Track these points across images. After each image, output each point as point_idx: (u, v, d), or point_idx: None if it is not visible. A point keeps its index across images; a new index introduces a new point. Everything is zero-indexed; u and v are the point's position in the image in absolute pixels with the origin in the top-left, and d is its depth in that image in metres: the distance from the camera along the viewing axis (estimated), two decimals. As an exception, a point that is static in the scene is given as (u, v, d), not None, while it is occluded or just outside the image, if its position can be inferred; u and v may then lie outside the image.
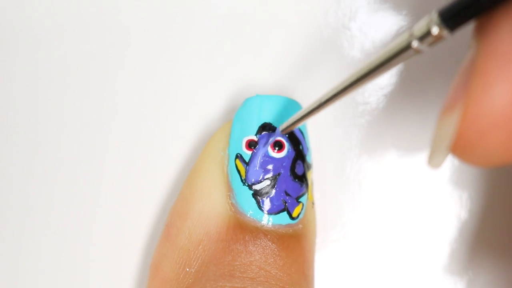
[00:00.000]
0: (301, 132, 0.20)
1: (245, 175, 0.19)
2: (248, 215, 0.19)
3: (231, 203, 0.19)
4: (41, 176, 0.22)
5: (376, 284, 0.23)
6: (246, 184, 0.19)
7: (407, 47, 0.14)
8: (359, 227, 0.23)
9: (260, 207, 0.19)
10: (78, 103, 0.22)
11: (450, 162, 0.23)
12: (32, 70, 0.22)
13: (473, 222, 0.23)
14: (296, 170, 0.19)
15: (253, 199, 0.19)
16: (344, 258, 0.23)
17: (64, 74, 0.22)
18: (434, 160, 0.14)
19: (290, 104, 0.20)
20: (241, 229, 0.19)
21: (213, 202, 0.19)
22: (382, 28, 0.23)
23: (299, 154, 0.20)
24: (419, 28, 0.13)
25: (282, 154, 0.19)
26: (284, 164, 0.19)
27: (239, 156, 0.19)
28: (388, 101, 0.23)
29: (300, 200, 0.19)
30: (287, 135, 0.19)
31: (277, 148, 0.19)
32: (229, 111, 0.22)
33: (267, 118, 0.19)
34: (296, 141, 0.20)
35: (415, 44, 0.13)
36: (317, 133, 0.23)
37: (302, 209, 0.19)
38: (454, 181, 0.23)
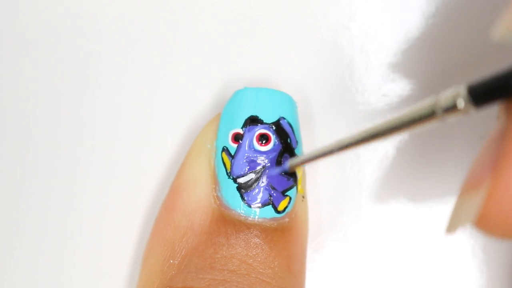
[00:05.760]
0: (290, 125, 0.20)
1: (230, 168, 0.19)
2: (232, 208, 0.19)
3: (216, 196, 0.19)
4: (33, 172, 0.23)
5: (375, 284, 0.22)
6: (231, 177, 0.19)
7: (430, 114, 0.14)
8: (359, 227, 0.23)
9: (244, 201, 0.19)
10: (67, 99, 0.23)
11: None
12: (24, 68, 0.23)
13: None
14: (283, 164, 0.19)
15: (237, 192, 0.19)
16: (344, 259, 0.23)
17: (53, 70, 0.23)
18: (452, 230, 0.14)
19: (279, 97, 0.20)
20: (224, 222, 0.19)
21: (198, 195, 0.19)
22: (382, 28, 0.23)
23: (286, 147, 0.19)
24: (445, 99, 0.13)
25: (268, 147, 0.19)
26: (270, 157, 0.19)
27: (225, 149, 0.19)
28: (387, 101, 0.23)
29: (287, 193, 0.19)
30: (274, 128, 0.19)
31: (263, 141, 0.19)
32: (221, 104, 0.22)
33: (254, 111, 0.19)
34: (283, 134, 0.19)
35: (439, 113, 0.14)
36: (317, 133, 0.23)
37: (289, 202, 0.19)
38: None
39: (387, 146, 0.23)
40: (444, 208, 0.22)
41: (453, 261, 0.22)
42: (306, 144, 0.22)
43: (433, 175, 0.23)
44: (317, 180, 0.23)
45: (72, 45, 0.23)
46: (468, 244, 0.22)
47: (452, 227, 0.14)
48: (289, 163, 0.19)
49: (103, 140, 0.23)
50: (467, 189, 0.14)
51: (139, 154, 0.22)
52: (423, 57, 0.23)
